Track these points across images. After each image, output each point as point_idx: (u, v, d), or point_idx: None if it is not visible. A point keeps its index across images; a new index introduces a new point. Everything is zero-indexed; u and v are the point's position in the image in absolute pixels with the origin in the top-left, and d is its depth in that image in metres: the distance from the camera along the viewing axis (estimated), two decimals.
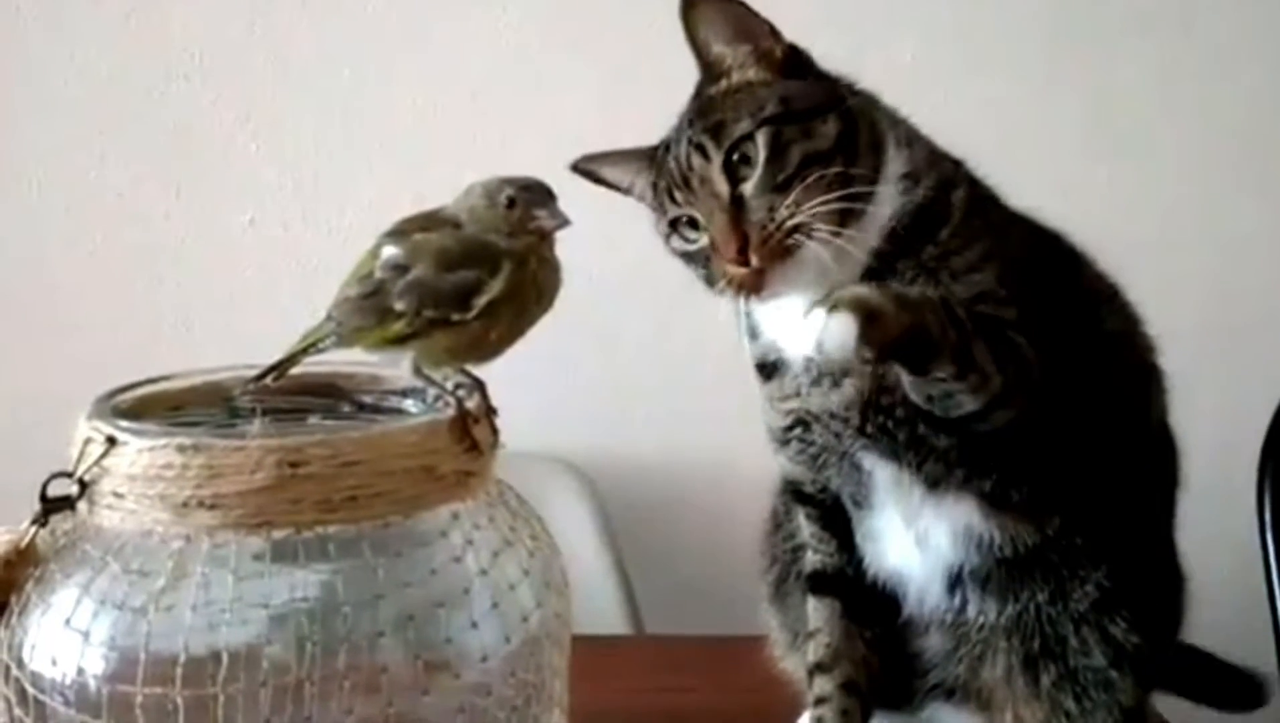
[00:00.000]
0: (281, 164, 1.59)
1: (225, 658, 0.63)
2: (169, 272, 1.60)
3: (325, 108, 1.58)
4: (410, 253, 0.69)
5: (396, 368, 0.71)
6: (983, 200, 0.81)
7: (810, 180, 0.76)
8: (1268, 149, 1.60)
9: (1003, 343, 0.74)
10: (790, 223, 0.75)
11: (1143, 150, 1.59)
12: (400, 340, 0.68)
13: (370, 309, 0.69)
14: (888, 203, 0.78)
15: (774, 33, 0.81)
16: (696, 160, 0.79)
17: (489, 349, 0.69)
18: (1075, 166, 1.57)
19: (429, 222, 0.70)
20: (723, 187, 0.77)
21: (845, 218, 0.76)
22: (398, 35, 1.58)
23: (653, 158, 0.83)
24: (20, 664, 0.65)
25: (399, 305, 0.68)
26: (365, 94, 1.58)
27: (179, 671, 0.62)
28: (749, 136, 0.77)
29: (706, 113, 0.80)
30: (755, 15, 0.81)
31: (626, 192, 0.84)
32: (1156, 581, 0.86)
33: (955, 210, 0.79)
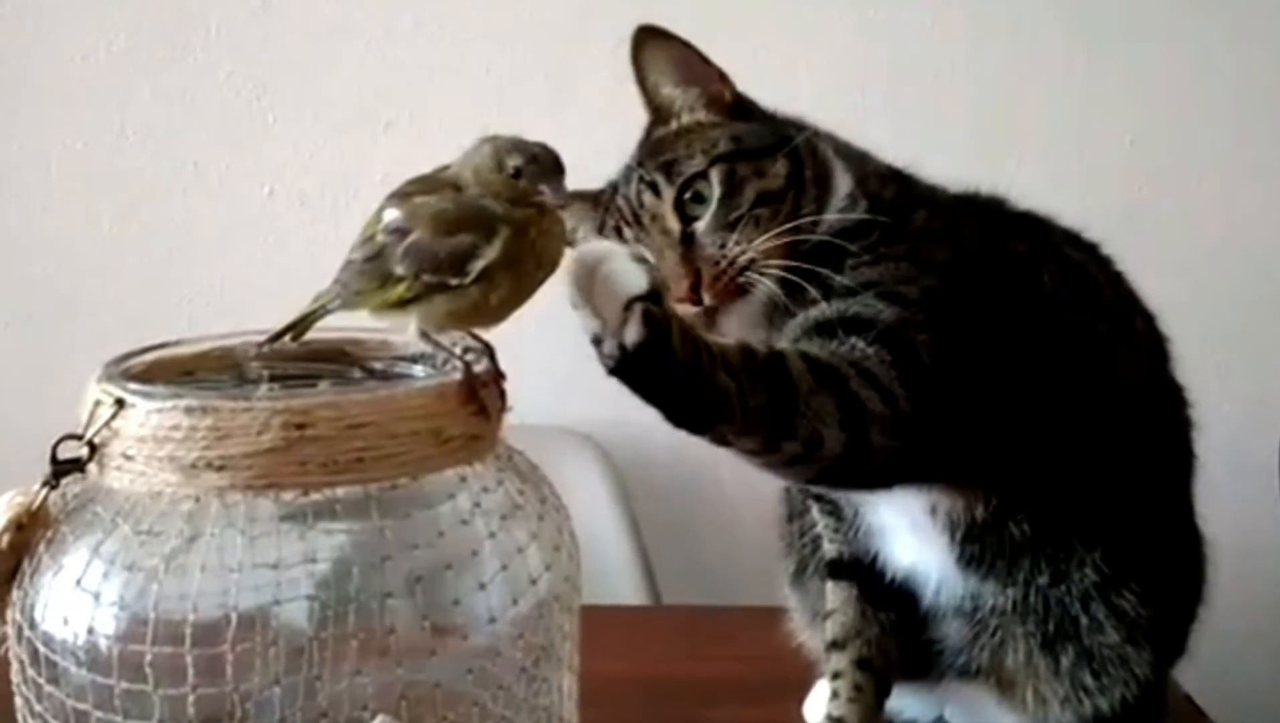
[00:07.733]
0: (298, 136, 1.59)
1: (235, 619, 0.63)
2: (188, 246, 1.61)
3: (341, 79, 1.59)
4: (409, 217, 0.69)
5: (403, 333, 0.71)
6: (912, 205, 0.81)
7: (762, 217, 0.76)
8: None
9: (863, 390, 0.70)
10: (743, 260, 0.75)
11: (1178, 118, 1.58)
12: (402, 304, 0.68)
13: (372, 273, 0.69)
14: (830, 221, 0.78)
15: (723, 77, 0.83)
16: (648, 197, 0.79)
17: (491, 314, 0.69)
18: (1105, 141, 1.56)
19: (431, 184, 0.70)
20: (674, 224, 0.78)
21: (794, 251, 0.76)
22: (413, 7, 1.58)
23: (598, 201, 0.83)
24: (33, 625, 0.65)
25: (399, 269, 0.68)
26: (381, 65, 1.58)
27: (189, 631, 0.62)
28: (702, 174, 0.78)
29: (657, 152, 0.81)
30: (705, 60, 0.82)
31: (569, 242, 0.79)
32: (1166, 549, 0.85)
33: (881, 220, 0.78)
